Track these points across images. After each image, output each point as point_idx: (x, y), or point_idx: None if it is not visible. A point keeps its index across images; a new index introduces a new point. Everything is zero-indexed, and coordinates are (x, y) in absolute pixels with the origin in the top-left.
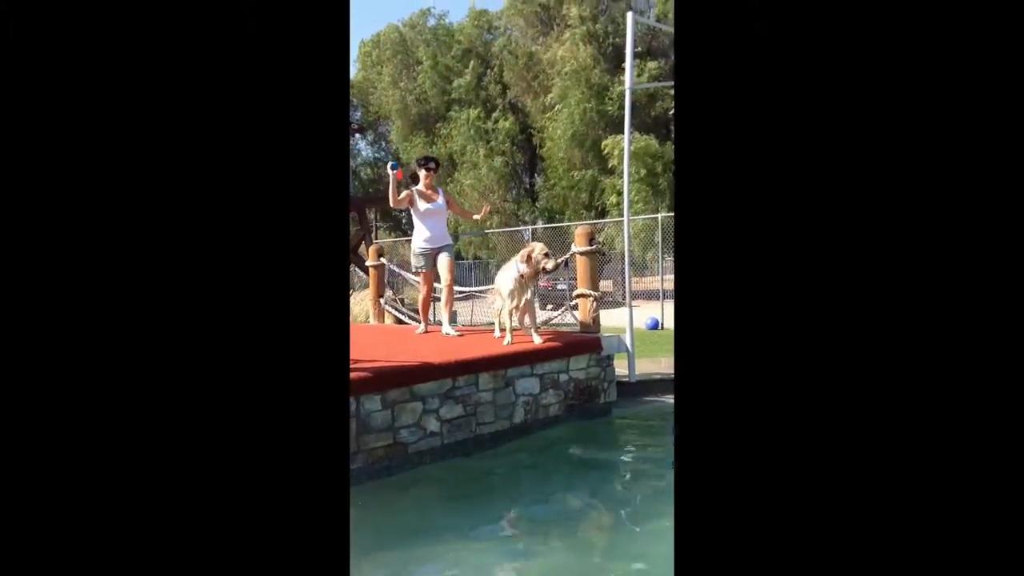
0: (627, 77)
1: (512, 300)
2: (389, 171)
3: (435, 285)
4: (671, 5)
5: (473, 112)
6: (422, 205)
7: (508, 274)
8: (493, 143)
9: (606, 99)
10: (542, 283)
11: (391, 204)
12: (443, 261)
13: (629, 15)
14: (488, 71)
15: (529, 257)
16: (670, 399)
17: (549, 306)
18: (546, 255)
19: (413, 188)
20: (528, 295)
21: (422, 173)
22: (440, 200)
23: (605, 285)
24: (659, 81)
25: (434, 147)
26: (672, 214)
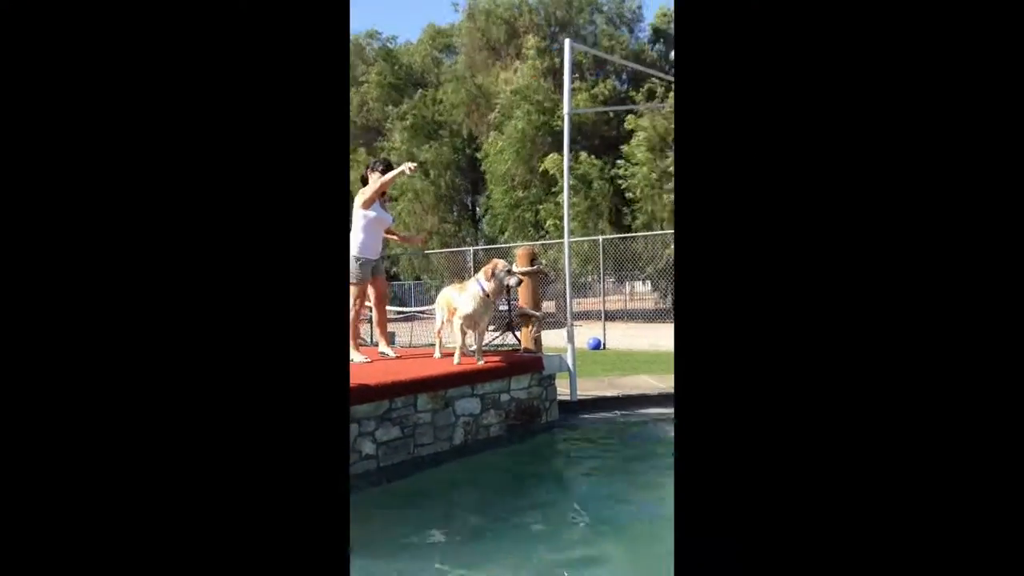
0: (565, 102)
1: (472, 320)
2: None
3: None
4: (616, 41)
5: (403, 137)
6: (378, 210)
7: (470, 293)
8: (430, 169)
9: (555, 117)
10: None
11: (378, 188)
12: (381, 281)
13: (567, 42)
14: (435, 91)
15: (492, 273)
16: (609, 415)
17: (491, 327)
18: (508, 271)
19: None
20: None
21: (382, 176)
22: (390, 213)
23: (548, 306)
24: (606, 105)
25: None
26: (612, 236)
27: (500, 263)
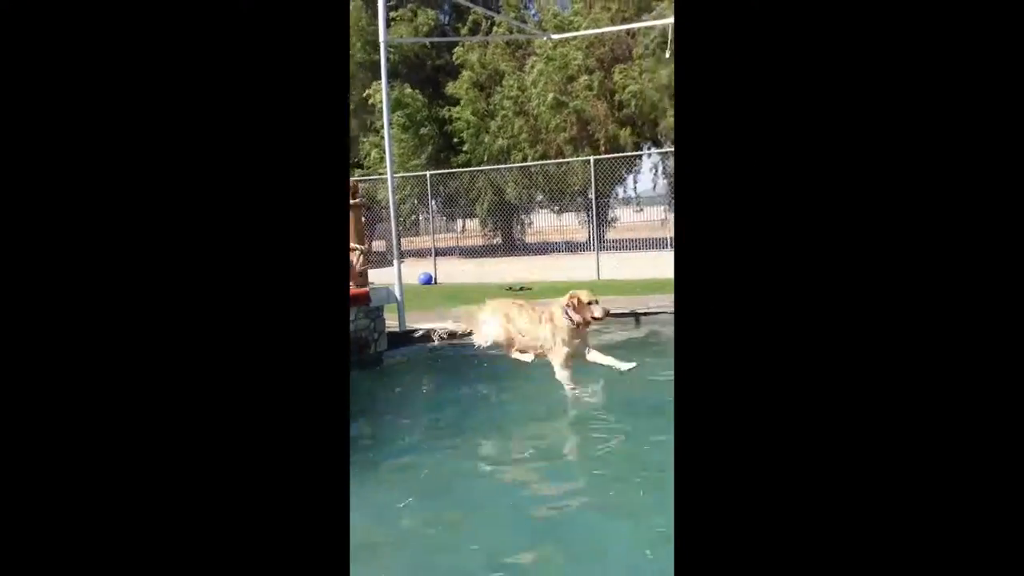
0: (380, 30)
1: (565, 349)
2: None
3: None
4: None
5: None
6: None
7: (555, 325)
8: None
9: (376, 52)
10: None
11: None
12: None
13: None
14: None
15: (579, 303)
16: (434, 344)
17: None
18: (593, 302)
19: None
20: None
21: None
22: None
23: (378, 245)
24: (429, 36)
25: None
26: (439, 171)
27: (583, 293)
